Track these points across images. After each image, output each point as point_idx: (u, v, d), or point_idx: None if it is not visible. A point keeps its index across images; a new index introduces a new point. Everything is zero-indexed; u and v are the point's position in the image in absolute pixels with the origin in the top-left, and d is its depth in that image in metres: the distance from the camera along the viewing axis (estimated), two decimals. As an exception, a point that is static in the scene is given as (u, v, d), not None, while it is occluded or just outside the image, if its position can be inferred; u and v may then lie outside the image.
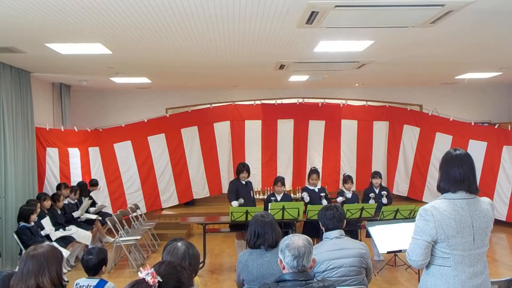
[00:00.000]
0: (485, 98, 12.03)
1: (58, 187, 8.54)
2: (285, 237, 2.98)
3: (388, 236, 3.57)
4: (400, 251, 4.56)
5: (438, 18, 5.01)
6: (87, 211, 8.69)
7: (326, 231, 3.87)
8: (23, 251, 6.74)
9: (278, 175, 9.19)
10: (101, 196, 9.93)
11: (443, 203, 2.86)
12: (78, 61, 7.37)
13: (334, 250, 3.67)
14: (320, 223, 3.94)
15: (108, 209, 9.93)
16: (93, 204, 9.27)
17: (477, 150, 10.26)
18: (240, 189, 7.71)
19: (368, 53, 7.04)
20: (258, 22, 5.17)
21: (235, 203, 7.53)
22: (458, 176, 2.87)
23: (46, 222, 7.31)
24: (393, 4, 4.50)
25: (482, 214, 2.86)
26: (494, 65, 8.69)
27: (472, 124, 10.78)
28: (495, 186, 10.22)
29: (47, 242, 6.87)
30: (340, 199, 7.64)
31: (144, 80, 9.54)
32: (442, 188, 2.93)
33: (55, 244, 6.99)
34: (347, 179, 7.92)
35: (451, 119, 10.87)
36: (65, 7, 4.51)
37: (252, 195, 7.88)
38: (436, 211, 2.82)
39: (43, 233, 7.21)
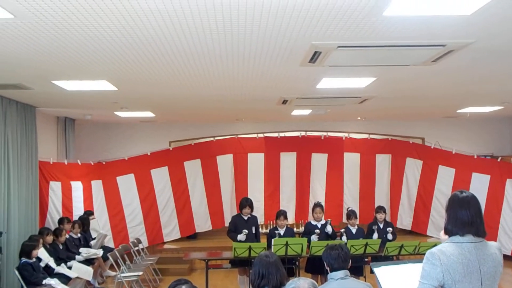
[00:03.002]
0: (487, 131, 12.07)
1: (61, 221, 8.50)
2: (291, 281, 2.96)
3: (394, 278, 3.53)
4: (406, 293, 4.47)
5: (439, 57, 5.09)
6: (88, 246, 8.64)
7: (331, 271, 3.84)
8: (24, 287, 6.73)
9: (280, 208, 9.16)
10: (104, 230, 9.86)
11: (450, 247, 2.84)
12: (84, 97, 7.46)
13: (339, 291, 3.64)
14: (325, 263, 3.91)
15: (110, 243, 9.87)
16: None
17: (480, 183, 10.24)
18: (239, 226, 7.63)
19: (370, 89, 7.11)
20: (262, 60, 5.26)
21: (240, 237, 7.45)
22: (466, 219, 2.85)
23: (41, 252, 7.25)
24: (395, 45, 4.59)
25: (490, 259, 2.84)
26: (496, 100, 8.75)
27: (475, 157, 10.77)
28: (499, 220, 10.13)
29: (48, 279, 6.84)
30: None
31: (148, 114, 9.63)
32: (450, 231, 2.91)
33: (56, 279, 6.93)
34: (351, 214, 7.87)
35: (453, 152, 10.87)
36: (73, 47, 4.60)
37: (255, 231, 7.80)
38: (443, 255, 2.80)
39: (42, 264, 7.14)
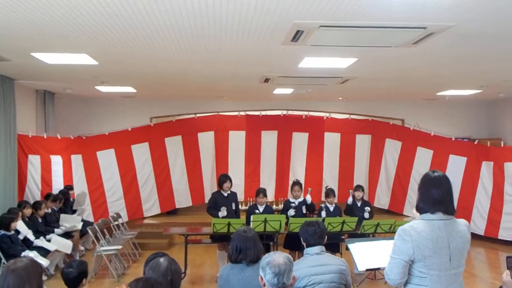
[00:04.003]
0: (465, 114, 12.29)
1: (47, 197, 8.47)
2: (266, 255, 3.03)
3: (367, 254, 3.66)
4: (378, 268, 4.64)
5: (420, 40, 5.15)
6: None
7: (307, 246, 3.93)
8: (3, 260, 6.72)
9: (261, 186, 9.23)
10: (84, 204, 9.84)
11: (421, 224, 2.94)
12: (64, 70, 7.36)
13: (314, 266, 3.73)
14: (301, 239, 4.00)
15: (90, 217, 9.87)
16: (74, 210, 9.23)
17: (457, 165, 10.46)
18: (219, 202, 7.66)
19: (351, 70, 7.17)
20: (245, 37, 5.25)
21: (221, 213, 7.52)
22: (437, 197, 2.95)
23: (20, 225, 7.25)
24: (377, 26, 4.63)
25: (459, 235, 2.95)
26: (474, 83, 8.89)
27: (453, 139, 10.95)
28: (474, 201, 10.38)
29: (27, 251, 6.85)
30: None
31: (129, 89, 9.55)
32: (421, 209, 3.01)
33: (35, 252, 6.94)
34: (330, 192, 7.99)
35: (432, 134, 11.04)
36: (53, 20, 4.53)
37: (234, 207, 7.87)
38: (414, 231, 2.90)
39: (20, 237, 7.14)
